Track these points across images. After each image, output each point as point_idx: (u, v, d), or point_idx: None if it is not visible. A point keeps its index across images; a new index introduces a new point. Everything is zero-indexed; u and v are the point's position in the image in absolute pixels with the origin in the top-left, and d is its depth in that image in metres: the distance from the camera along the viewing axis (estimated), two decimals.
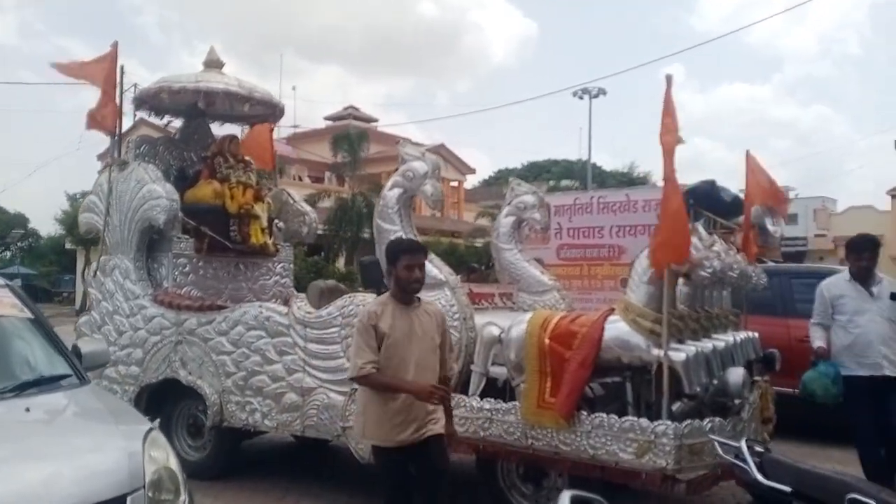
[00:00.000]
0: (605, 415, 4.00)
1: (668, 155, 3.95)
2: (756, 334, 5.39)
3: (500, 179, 45.67)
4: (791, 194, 37.34)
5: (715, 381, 4.27)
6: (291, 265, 7.30)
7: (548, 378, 4.17)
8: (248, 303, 5.83)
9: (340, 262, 23.51)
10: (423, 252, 3.74)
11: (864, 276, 4.76)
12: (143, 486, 2.76)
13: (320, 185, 29.86)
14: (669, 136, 3.94)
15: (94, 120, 6.10)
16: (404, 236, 4.92)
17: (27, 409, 2.97)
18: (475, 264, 14.48)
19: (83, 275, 26.89)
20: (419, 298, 3.61)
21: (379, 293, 5.12)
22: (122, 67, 6.26)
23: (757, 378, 4.90)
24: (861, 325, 4.69)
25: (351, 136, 25.60)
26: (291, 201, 7.32)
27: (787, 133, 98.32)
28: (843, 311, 4.78)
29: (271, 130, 7.44)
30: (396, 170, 5.13)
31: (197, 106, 6.60)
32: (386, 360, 3.44)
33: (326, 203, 23.73)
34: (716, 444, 3.46)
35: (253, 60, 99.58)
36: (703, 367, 4.11)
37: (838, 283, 4.90)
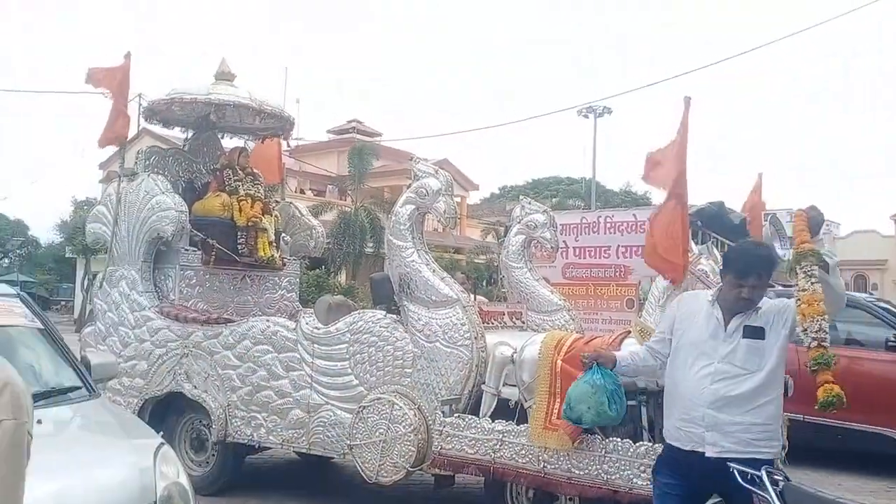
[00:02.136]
0: (619, 439, 3.95)
1: (680, 179, 3.95)
2: None
3: (504, 196, 45.77)
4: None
5: None
6: (298, 279, 7.27)
7: (556, 399, 4.12)
8: (255, 317, 5.79)
9: (342, 277, 23.45)
10: None
11: (738, 307, 3.03)
12: (155, 502, 2.72)
13: (322, 198, 29.88)
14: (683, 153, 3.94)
15: (109, 136, 6.09)
16: (416, 254, 4.90)
17: (39, 422, 2.91)
18: (463, 273, 14.43)
19: (83, 284, 26.83)
20: None
21: (389, 310, 5.11)
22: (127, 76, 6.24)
23: None
24: (692, 374, 3.08)
25: (368, 149, 25.71)
26: (299, 215, 7.31)
27: (793, 152, 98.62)
28: (678, 344, 3.17)
29: (280, 144, 7.44)
30: (409, 186, 5.10)
31: (208, 118, 6.59)
32: None
33: (328, 216, 23.74)
34: (734, 470, 3.40)
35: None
36: None
37: (696, 301, 3.22)
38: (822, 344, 2.94)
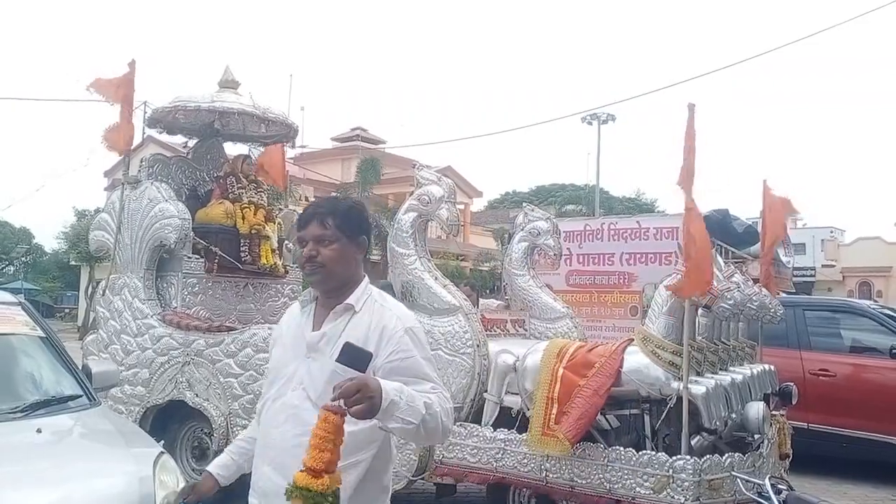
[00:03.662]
0: (622, 448, 3.93)
1: (688, 189, 3.93)
2: (773, 367, 5.32)
3: (507, 203, 45.77)
4: (799, 223, 37.61)
5: (734, 416, 4.19)
6: (301, 287, 7.26)
7: (554, 404, 4.10)
8: (256, 324, 5.78)
9: None
10: None
11: (308, 276, 2.10)
12: None
13: None
14: (688, 172, 3.92)
15: (112, 139, 6.10)
16: (419, 261, 4.89)
17: (39, 431, 2.91)
18: (468, 285, 14.36)
19: (86, 292, 26.88)
20: None
21: None
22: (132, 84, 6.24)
23: (774, 413, 4.82)
24: (266, 412, 2.16)
25: (376, 162, 25.79)
26: None
27: (798, 158, 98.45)
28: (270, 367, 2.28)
29: (283, 151, 7.44)
30: (411, 193, 5.10)
31: (211, 126, 6.61)
32: None
33: None
34: (738, 480, 3.38)
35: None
36: (723, 400, 4.04)
37: (293, 312, 2.26)
38: None
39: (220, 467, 2.36)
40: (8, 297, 3.80)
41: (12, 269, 45.54)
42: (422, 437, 1.95)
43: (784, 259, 7.10)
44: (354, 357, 1.85)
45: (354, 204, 2.20)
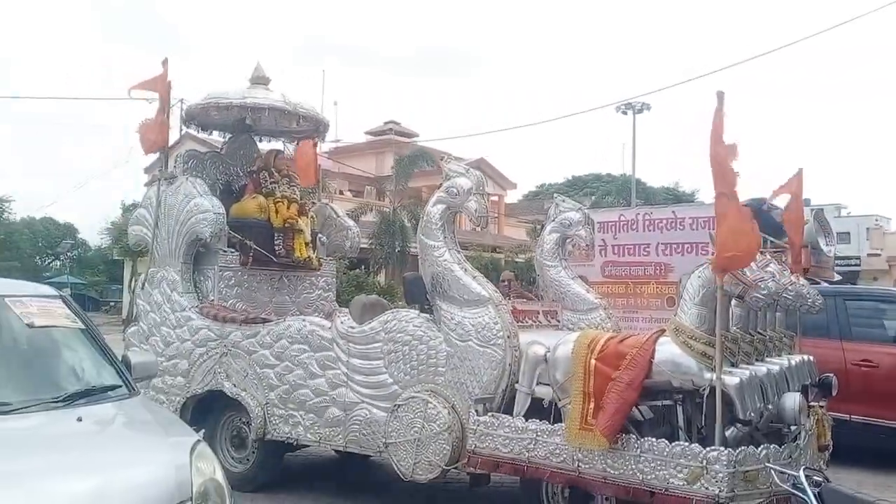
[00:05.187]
0: (654, 439, 3.89)
1: (719, 170, 3.85)
2: (812, 358, 5.21)
3: (542, 194, 45.47)
4: (843, 212, 36.69)
5: (770, 407, 4.12)
6: (335, 279, 7.34)
7: (591, 399, 4.08)
8: (291, 316, 5.86)
9: (382, 277, 23.59)
10: None
11: None
12: (191, 499, 2.77)
13: (361, 199, 30.11)
14: (720, 149, 3.84)
15: (149, 141, 6.25)
16: (448, 253, 4.91)
17: (79, 419, 2.99)
18: (512, 271, 14.25)
19: (130, 285, 27.49)
20: None
21: (422, 309, 5.12)
22: (169, 83, 6.37)
23: (813, 404, 4.73)
24: None
25: (428, 154, 25.81)
26: (335, 216, 7.38)
27: (842, 146, 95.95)
28: None
29: (316, 146, 7.51)
30: (440, 185, 5.11)
31: (244, 121, 6.70)
32: None
33: (369, 217, 23.95)
34: (772, 472, 3.33)
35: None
36: (758, 391, 3.98)
37: None
38: None
39: None
40: (49, 290, 3.91)
41: (58, 263, 46.72)
42: None
43: (825, 248, 6.92)
44: None
45: None
